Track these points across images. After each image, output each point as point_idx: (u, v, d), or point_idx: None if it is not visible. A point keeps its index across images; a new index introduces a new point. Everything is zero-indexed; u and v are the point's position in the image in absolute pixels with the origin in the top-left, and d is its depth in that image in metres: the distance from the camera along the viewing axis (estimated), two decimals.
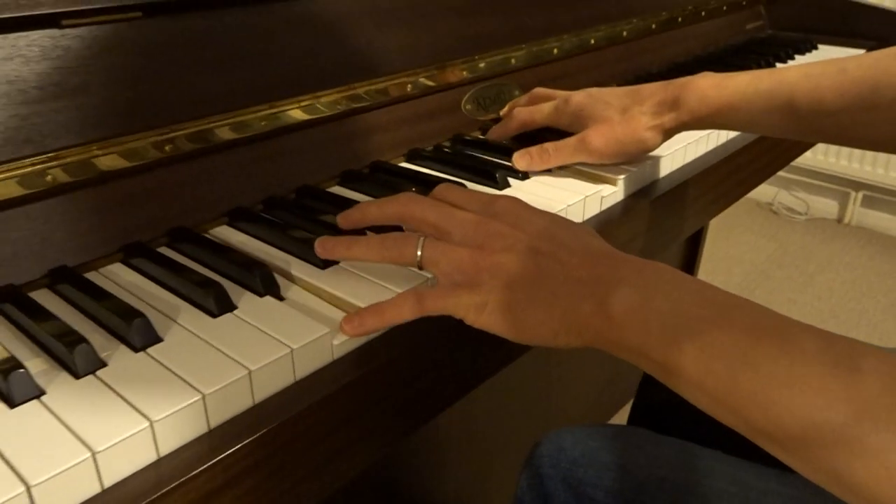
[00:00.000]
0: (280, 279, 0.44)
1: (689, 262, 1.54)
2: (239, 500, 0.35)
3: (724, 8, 1.10)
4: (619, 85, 0.73)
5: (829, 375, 0.29)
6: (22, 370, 0.34)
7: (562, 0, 0.80)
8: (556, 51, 0.79)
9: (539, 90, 0.68)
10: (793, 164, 2.28)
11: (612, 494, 0.57)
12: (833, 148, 2.20)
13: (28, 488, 0.29)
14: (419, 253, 0.41)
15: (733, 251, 2.18)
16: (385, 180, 0.58)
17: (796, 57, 1.02)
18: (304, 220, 0.50)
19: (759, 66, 0.94)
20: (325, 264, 0.45)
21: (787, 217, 2.37)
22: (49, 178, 0.43)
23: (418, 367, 0.43)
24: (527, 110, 0.65)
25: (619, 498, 0.56)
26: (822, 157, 2.23)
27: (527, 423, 1.13)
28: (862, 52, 1.04)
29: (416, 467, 0.95)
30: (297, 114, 0.56)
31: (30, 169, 0.42)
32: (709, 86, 0.58)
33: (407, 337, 0.42)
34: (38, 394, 0.34)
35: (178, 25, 0.49)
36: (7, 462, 0.30)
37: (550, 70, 0.79)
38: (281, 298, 0.43)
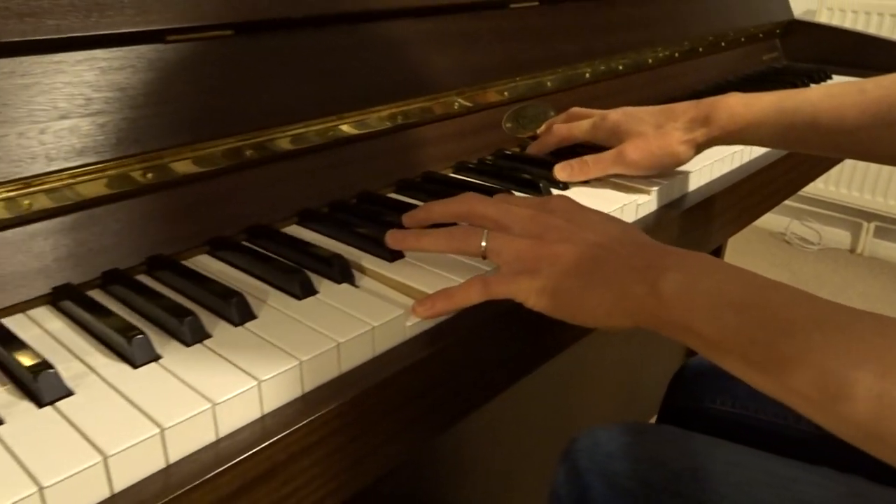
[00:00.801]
0: (354, 270, 0.49)
1: None
2: (328, 458, 0.39)
3: (742, 39, 1.15)
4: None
5: (858, 339, 0.33)
6: (142, 336, 0.38)
7: (593, 29, 0.86)
8: (587, 75, 0.85)
9: (576, 109, 0.73)
10: (805, 194, 2.33)
11: (647, 485, 0.60)
12: (845, 178, 2.24)
13: (162, 431, 0.33)
14: (484, 244, 0.45)
15: None
16: (436, 189, 0.63)
17: (811, 85, 1.08)
18: (367, 220, 0.55)
19: None
20: (392, 257, 0.50)
21: (800, 247, 2.40)
22: (150, 175, 0.48)
23: (479, 351, 0.47)
24: (565, 126, 0.70)
25: (654, 488, 0.60)
26: (833, 187, 2.28)
27: (549, 433, 1.16)
28: None
29: (441, 474, 0.98)
30: (356, 127, 0.61)
31: (136, 167, 0.47)
32: (738, 104, 0.64)
33: (469, 323, 0.46)
34: (156, 357, 0.39)
35: (261, 44, 0.55)
36: (139, 408, 0.35)
37: (582, 93, 0.84)
38: (355, 286, 0.47)
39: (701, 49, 1.06)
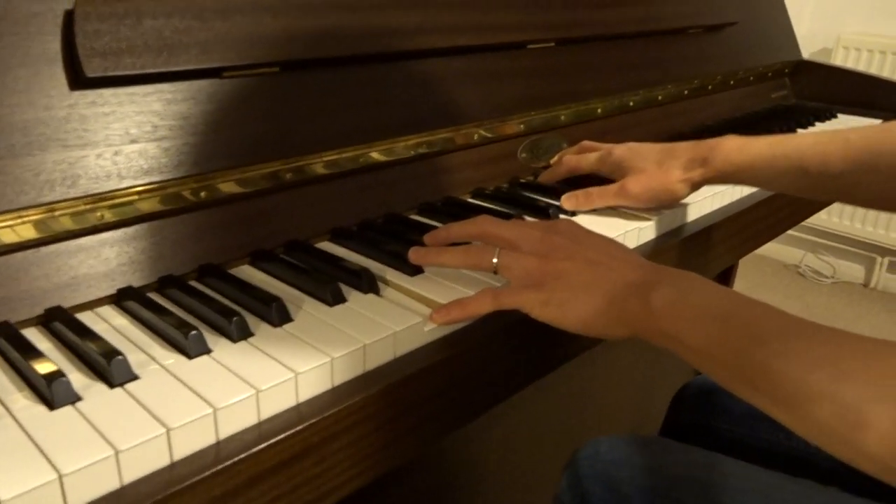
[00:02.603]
0: (379, 283, 0.55)
1: None
2: (356, 444, 0.45)
3: (751, 78, 1.21)
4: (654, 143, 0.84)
5: (818, 346, 0.38)
6: (196, 331, 0.44)
7: (606, 67, 0.92)
8: (599, 111, 0.91)
9: (586, 142, 0.79)
10: (820, 228, 2.36)
11: (645, 491, 0.65)
12: (859, 213, 2.27)
13: (215, 411, 0.39)
14: (495, 260, 0.51)
15: None
16: (455, 212, 0.69)
17: (816, 124, 1.13)
18: (392, 238, 0.61)
19: (782, 131, 1.04)
20: (413, 272, 0.56)
21: (814, 280, 2.43)
22: (203, 193, 0.55)
23: (491, 357, 0.53)
24: (575, 158, 0.76)
25: (652, 494, 0.64)
26: (848, 222, 2.31)
27: (560, 447, 1.20)
28: (876, 121, 1.15)
29: (454, 485, 1.03)
30: (384, 154, 0.68)
31: (192, 186, 0.54)
32: (733, 148, 0.69)
33: (482, 332, 0.52)
34: (208, 351, 0.45)
35: (302, 79, 0.62)
36: (195, 392, 0.41)
37: (594, 127, 0.90)
38: (380, 296, 0.53)
39: (710, 87, 1.12)
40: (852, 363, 0.37)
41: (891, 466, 0.35)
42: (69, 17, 0.49)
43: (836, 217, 2.32)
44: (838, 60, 2.20)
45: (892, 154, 0.63)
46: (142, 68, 0.51)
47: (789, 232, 2.59)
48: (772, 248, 2.66)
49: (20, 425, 0.38)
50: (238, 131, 0.57)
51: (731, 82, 1.17)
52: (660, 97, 1.01)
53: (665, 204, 0.71)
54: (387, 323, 0.48)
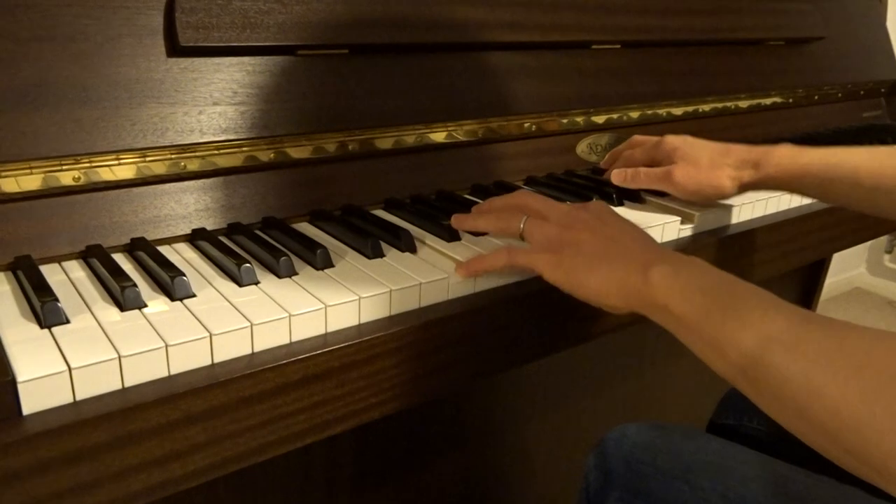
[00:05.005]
0: (418, 244, 0.60)
1: None
2: (374, 376, 0.50)
3: (839, 95, 1.19)
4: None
5: (793, 327, 0.41)
6: (248, 265, 0.52)
7: (672, 73, 0.94)
8: (665, 114, 0.93)
9: (637, 136, 0.82)
10: None
11: (663, 471, 0.67)
12: None
13: (252, 325, 0.46)
14: (522, 226, 0.56)
15: None
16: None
17: None
18: (438, 211, 0.67)
19: None
20: (450, 238, 0.61)
21: None
22: (272, 155, 0.62)
23: (507, 319, 0.57)
24: (628, 143, 0.79)
25: (668, 475, 0.66)
26: None
27: None
28: None
29: (504, 479, 1.07)
30: (443, 136, 0.74)
31: (263, 147, 0.62)
32: (786, 154, 0.70)
33: (503, 294, 0.56)
34: (256, 282, 0.52)
35: (369, 61, 0.69)
36: (238, 309, 0.48)
37: (660, 130, 0.92)
38: (416, 256, 0.59)
39: (791, 100, 1.11)
40: (816, 344, 0.39)
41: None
42: None
43: None
44: None
45: None
46: (228, 42, 0.59)
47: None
48: (876, 283, 2.53)
49: (97, 320, 0.46)
50: (308, 102, 0.64)
51: (816, 97, 1.15)
52: (732, 106, 1.02)
53: (710, 199, 0.73)
54: (415, 276, 0.54)
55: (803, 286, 1.49)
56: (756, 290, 0.46)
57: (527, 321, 0.58)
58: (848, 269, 2.52)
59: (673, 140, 0.75)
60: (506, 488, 1.05)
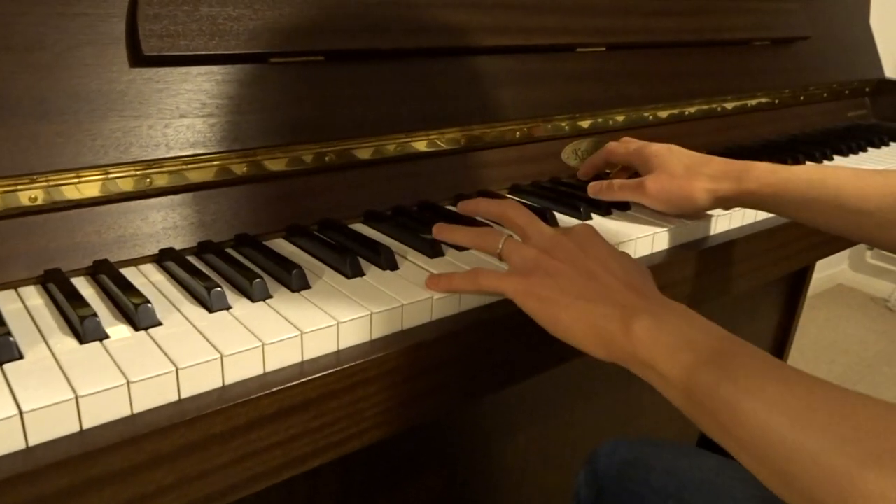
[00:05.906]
0: (399, 260, 0.58)
1: (780, 347, 1.55)
2: (354, 405, 0.47)
3: (825, 95, 1.18)
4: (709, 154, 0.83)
5: (790, 390, 0.38)
6: (218, 289, 0.49)
7: (659, 75, 0.92)
8: (650, 117, 0.91)
9: (628, 138, 0.79)
10: None
11: (656, 490, 0.65)
12: None
13: (222, 357, 0.43)
14: (500, 246, 0.53)
15: (840, 341, 2.14)
16: None
17: (891, 144, 1.08)
18: (420, 224, 0.64)
19: (851, 150, 1.01)
20: (433, 254, 0.58)
21: None
22: (245, 168, 0.59)
23: (493, 342, 0.54)
24: (613, 144, 0.76)
25: (662, 493, 0.64)
26: None
27: None
28: None
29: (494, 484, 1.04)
30: (425, 145, 0.71)
31: (235, 161, 0.58)
32: (766, 169, 0.67)
33: (489, 315, 0.54)
34: (228, 307, 0.49)
35: (346, 68, 0.66)
36: (208, 339, 0.45)
37: (646, 133, 0.90)
38: (397, 274, 0.56)
39: (777, 101, 1.09)
40: (819, 413, 0.36)
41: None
42: (134, 1, 0.54)
43: None
44: None
45: None
46: (195, 50, 0.56)
47: (879, 263, 2.46)
48: (858, 279, 2.54)
49: (53, 355, 0.43)
50: (282, 113, 0.61)
51: (802, 98, 1.14)
52: (719, 108, 1.00)
53: (685, 211, 0.70)
54: (397, 297, 0.51)
55: (790, 286, 1.48)
56: (752, 350, 0.43)
57: (516, 340, 0.56)
58: (830, 266, 2.52)
59: (655, 148, 0.72)
60: (494, 503, 1.03)
